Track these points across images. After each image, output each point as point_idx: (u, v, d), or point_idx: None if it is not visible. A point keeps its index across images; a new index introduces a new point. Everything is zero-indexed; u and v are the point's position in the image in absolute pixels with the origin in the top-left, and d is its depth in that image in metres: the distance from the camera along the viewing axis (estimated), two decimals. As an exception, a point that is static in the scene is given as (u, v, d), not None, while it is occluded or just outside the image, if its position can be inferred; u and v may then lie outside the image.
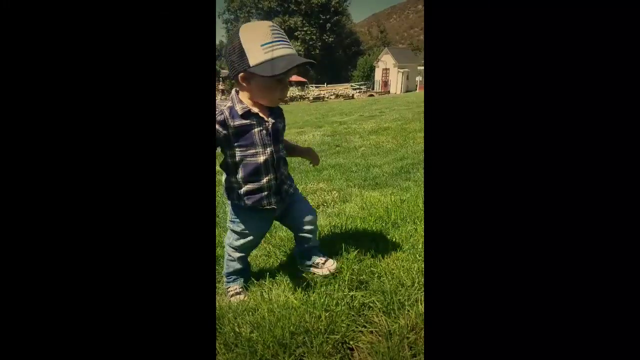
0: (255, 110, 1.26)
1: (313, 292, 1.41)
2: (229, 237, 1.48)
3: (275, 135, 1.31)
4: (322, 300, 1.35)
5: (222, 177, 1.42)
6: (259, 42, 1.14)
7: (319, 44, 42.21)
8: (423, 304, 1.32)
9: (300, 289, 1.43)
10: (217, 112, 1.22)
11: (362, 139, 5.66)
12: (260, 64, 1.15)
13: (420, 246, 1.77)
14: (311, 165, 1.58)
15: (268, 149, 1.29)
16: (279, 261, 1.78)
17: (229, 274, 1.53)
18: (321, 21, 41.87)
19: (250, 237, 1.45)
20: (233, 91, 1.30)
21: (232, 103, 1.26)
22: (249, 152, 1.27)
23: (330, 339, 1.18)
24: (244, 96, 1.27)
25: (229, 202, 1.43)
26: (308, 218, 1.52)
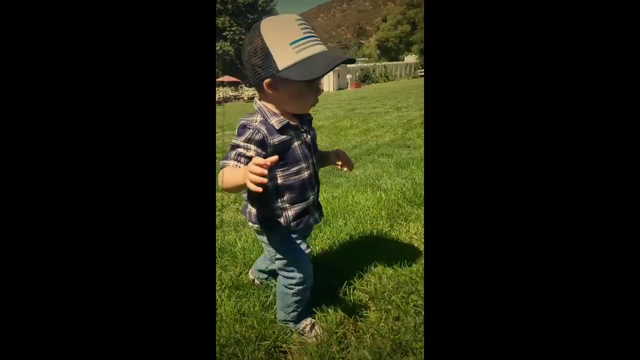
0: (293, 122, 1.07)
1: (246, 300, 1.38)
2: (286, 275, 1.18)
3: (315, 146, 1.15)
4: (255, 308, 1.33)
5: (247, 207, 1.17)
6: (288, 40, 0.94)
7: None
8: (352, 297, 1.36)
9: (233, 297, 1.39)
10: (247, 131, 1.00)
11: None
12: (292, 66, 0.94)
13: (348, 239, 1.82)
14: (345, 170, 1.25)
15: (310, 162, 1.12)
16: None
17: (297, 311, 1.23)
18: (249, 20, 41.13)
19: (308, 264, 1.19)
20: (258, 102, 1.07)
21: (264, 116, 1.04)
22: (292, 170, 1.08)
23: (262, 346, 1.16)
24: (271, 106, 1.06)
25: (266, 235, 1.16)
26: None
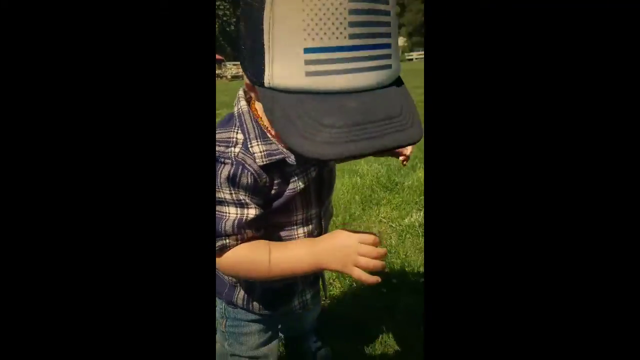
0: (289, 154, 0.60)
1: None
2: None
3: (330, 185, 0.73)
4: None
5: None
6: (301, 44, 0.43)
7: (234, 20, 40.25)
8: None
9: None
10: (225, 170, 0.58)
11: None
12: (298, 92, 0.46)
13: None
14: (403, 164, 0.83)
15: (312, 213, 0.69)
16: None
17: None
18: (234, -5, 39.89)
19: None
20: (242, 104, 0.62)
21: (245, 135, 0.59)
22: (279, 220, 0.67)
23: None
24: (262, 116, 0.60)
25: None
26: None
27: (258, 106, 0.60)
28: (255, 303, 0.73)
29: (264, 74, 0.47)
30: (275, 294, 0.72)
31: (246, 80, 0.55)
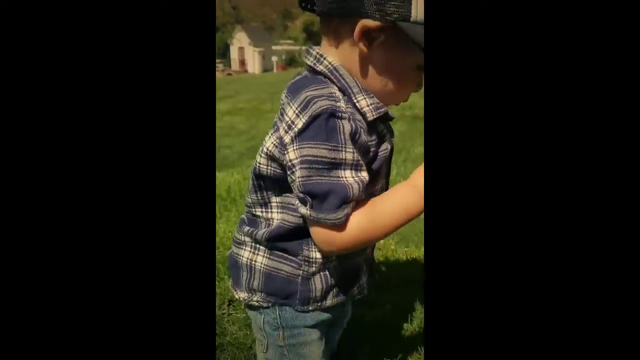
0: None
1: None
2: None
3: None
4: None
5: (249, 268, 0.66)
6: None
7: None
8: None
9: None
10: (341, 125, 0.52)
11: (217, 120, 5.44)
12: (421, 23, 0.49)
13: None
14: None
15: (384, 183, 0.68)
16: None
17: None
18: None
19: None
20: (330, 60, 0.57)
21: (349, 93, 0.56)
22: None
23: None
24: (357, 75, 0.58)
25: (272, 316, 0.66)
26: None
27: (352, 61, 0.56)
28: (334, 290, 0.64)
29: (410, 7, 0.47)
30: (349, 274, 0.65)
31: (360, 27, 0.51)
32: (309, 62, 0.58)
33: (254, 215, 0.66)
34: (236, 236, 0.70)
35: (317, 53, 0.58)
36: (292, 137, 0.53)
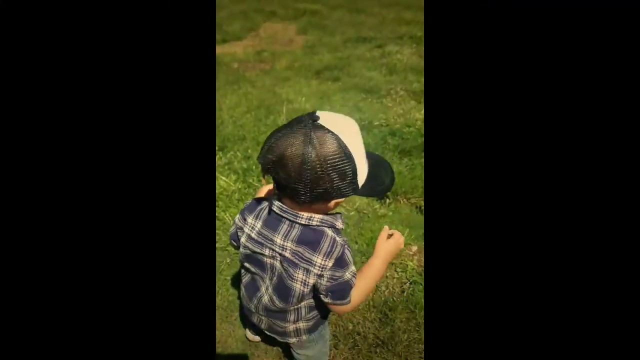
0: None
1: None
2: None
3: None
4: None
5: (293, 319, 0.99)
6: (362, 149, 0.75)
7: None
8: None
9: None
10: (346, 253, 0.85)
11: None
12: (365, 182, 0.78)
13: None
14: None
15: None
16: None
17: None
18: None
19: None
20: (315, 217, 0.83)
21: (331, 227, 0.85)
22: None
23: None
24: (319, 212, 0.86)
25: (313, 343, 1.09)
26: None
27: (322, 211, 0.84)
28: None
29: (357, 182, 0.75)
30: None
31: (334, 203, 0.81)
32: (302, 222, 0.83)
33: None
34: None
35: (300, 214, 0.83)
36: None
